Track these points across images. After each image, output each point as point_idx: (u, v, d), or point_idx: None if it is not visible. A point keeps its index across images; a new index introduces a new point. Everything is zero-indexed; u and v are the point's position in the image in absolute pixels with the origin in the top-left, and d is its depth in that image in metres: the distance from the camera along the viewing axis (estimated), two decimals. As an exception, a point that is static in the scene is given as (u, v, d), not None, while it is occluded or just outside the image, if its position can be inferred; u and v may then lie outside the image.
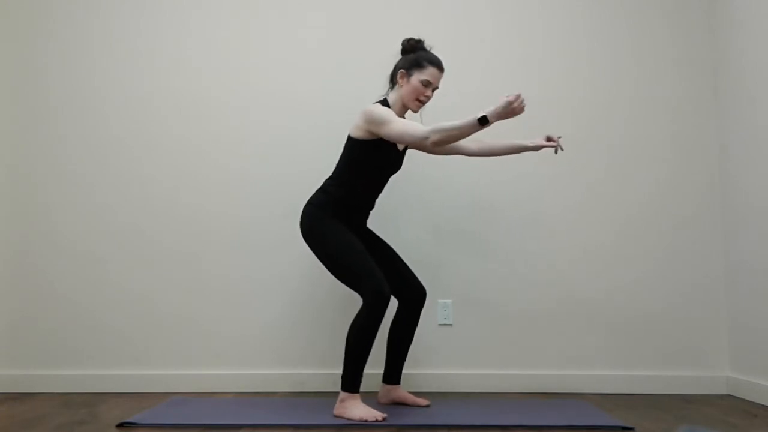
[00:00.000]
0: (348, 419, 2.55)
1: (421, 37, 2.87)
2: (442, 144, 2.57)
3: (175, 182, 3.37)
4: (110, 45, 3.44)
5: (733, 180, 3.21)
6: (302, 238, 2.81)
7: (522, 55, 3.41)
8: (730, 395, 3.17)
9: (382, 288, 2.59)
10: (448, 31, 3.41)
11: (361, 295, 2.63)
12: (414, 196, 3.33)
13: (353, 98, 3.34)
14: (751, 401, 3.00)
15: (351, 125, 2.79)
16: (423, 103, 2.81)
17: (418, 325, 3.21)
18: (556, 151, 2.87)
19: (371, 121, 2.67)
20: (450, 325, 3.30)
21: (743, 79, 3.13)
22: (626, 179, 3.35)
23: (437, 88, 2.83)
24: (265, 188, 3.36)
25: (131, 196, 3.37)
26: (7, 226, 3.37)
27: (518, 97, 2.41)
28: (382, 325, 2.65)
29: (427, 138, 2.54)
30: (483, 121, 2.46)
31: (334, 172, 2.85)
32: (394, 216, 3.30)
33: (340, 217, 2.76)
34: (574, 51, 3.40)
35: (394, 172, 2.90)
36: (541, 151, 3.13)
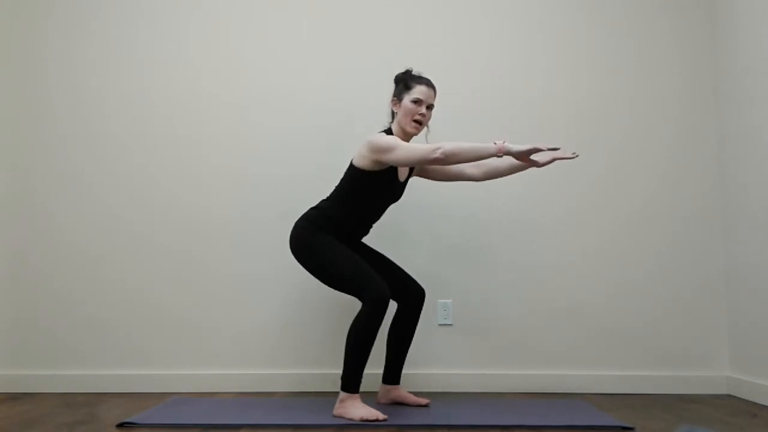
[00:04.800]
0: (348, 419, 2.55)
1: (413, 61, 2.90)
2: (452, 157, 2.55)
3: (175, 182, 3.37)
4: (110, 45, 3.44)
5: (733, 180, 3.21)
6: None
7: (522, 55, 3.41)
8: (730, 395, 3.17)
9: (383, 291, 2.59)
10: (448, 30, 3.41)
11: (362, 300, 2.63)
12: (413, 198, 3.32)
13: (353, 98, 3.35)
14: (751, 401, 3.00)
15: (355, 154, 2.78)
16: (420, 123, 2.80)
17: (419, 325, 3.21)
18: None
19: (377, 149, 2.65)
20: (450, 325, 3.30)
21: (743, 79, 3.13)
22: (626, 179, 3.35)
23: (432, 106, 2.83)
24: (267, 188, 3.35)
25: (131, 196, 3.37)
26: (7, 226, 3.37)
27: (543, 150, 2.54)
28: (381, 326, 2.65)
29: (437, 149, 2.54)
30: (504, 151, 2.53)
31: (331, 195, 2.83)
32: (393, 219, 3.29)
33: (333, 234, 2.76)
34: (574, 51, 3.40)
35: (394, 202, 2.90)
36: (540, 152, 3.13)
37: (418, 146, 2.61)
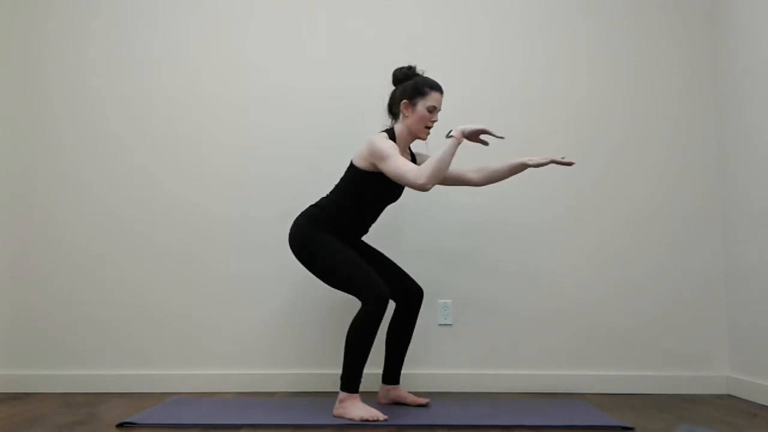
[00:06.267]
0: (349, 419, 2.55)
1: (414, 61, 2.89)
2: (435, 178, 2.55)
3: (175, 182, 3.38)
4: (110, 45, 3.44)
5: (733, 180, 3.21)
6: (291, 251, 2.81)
7: (522, 55, 3.41)
8: (730, 395, 3.17)
9: (382, 291, 2.59)
10: (448, 30, 3.41)
11: (360, 299, 2.63)
12: (413, 199, 3.32)
13: (353, 98, 3.35)
14: (751, 401, 3.00)
15: (355, 153, 2.78)
16: (430, 128, 2.80)
17: (419, 325, 3.22)
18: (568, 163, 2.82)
19: (373, 152, 2.66)
20: (450, 325, 3.30)
21: (743, 79, 3.13)
22: (626, 180, 3.35)
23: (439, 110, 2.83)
24: (267, 188, 3.35)
25: (131, 196, 3.37)
26: (7, 226, 3.37)
27: (487, 132, 2.62)
28: (380, 325, 2.65)
29: (420, 176, 2.54)
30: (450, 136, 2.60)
31: (332, 193, 2.82)
32: (393, 220, 3.30)
33: (332, 233, 2.75)
34: (574, 51, 3.40)
35: (393, 202, 2.90)
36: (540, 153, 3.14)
37: (407, 169, 2.57)
